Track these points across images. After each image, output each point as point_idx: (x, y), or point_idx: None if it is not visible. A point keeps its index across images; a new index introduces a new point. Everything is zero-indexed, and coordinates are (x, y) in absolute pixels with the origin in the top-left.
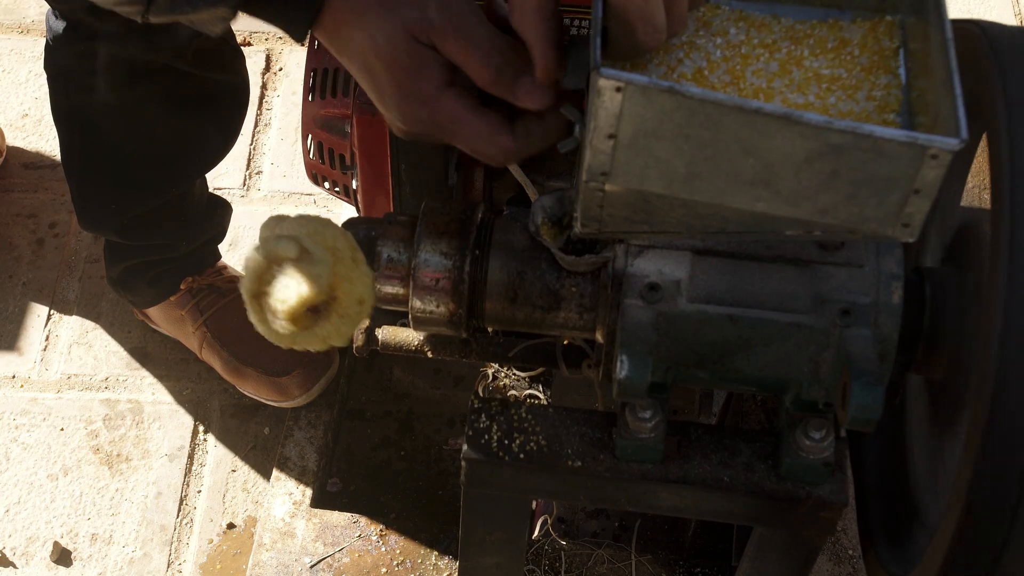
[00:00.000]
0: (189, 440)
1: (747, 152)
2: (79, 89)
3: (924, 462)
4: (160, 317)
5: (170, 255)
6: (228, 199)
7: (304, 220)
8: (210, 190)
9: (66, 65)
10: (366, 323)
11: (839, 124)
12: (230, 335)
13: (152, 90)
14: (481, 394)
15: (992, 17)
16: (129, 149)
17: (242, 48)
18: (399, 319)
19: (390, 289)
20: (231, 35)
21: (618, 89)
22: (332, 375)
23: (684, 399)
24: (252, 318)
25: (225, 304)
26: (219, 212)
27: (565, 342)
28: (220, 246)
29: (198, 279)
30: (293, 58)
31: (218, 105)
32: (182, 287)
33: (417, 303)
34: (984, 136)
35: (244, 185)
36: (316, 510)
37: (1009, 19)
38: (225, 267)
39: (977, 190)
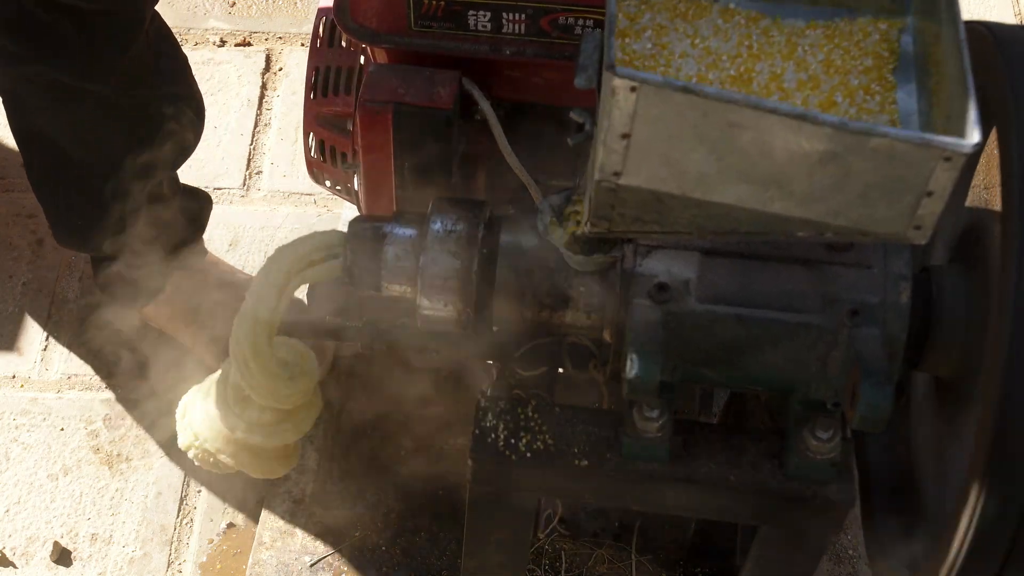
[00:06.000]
0: None
1: (761, 152)
2: (30, 110)
3: (930, 462)
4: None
5: (151, 259)
6: (228, 199)
7: None
8: (210, 191)
9: (11, 87)
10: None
11: (854, 125)
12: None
13: (96, 110)
14: (488, 393)
15: (992, 17)
16: (86, 162)
17: (241, 48)
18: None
19: (397, 288)
20: (175, 50)
21: (633, 89)
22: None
23: (684, 399)
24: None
25: None
26: (195, 205)
27: (571, 341)
28: (220, 246)
29: None
30: (293, 58)
31: (168, 119)
32: None
33: (424, 302)
34: (992, 136)
35: (244, 185)
36: (316, 510)
37: (1009, 19)
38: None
39: (982, 189)
